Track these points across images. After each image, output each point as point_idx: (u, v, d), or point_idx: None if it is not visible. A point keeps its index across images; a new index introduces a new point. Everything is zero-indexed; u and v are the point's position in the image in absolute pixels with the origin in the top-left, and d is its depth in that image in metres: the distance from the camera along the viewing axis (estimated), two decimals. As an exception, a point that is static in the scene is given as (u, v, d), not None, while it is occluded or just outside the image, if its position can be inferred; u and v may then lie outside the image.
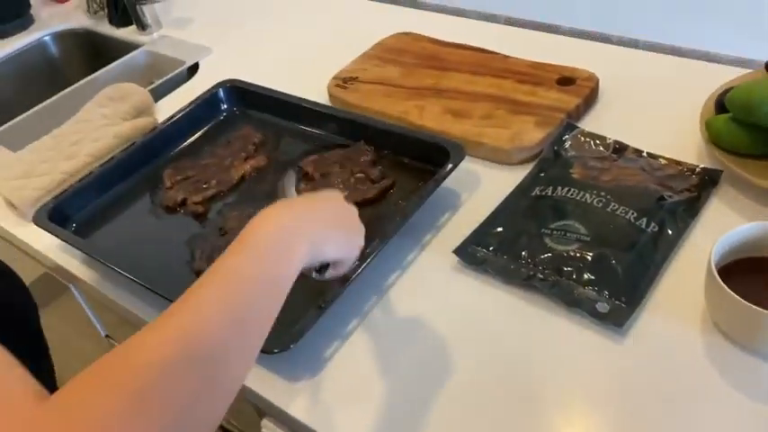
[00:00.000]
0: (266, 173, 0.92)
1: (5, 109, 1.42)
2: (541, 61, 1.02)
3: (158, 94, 1.18)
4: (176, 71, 1.23)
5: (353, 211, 0.60)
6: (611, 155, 0.85)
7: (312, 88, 1.07)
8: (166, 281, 0.75)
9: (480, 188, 0.86)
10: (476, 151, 0.90)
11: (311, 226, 0.53)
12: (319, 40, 1.24)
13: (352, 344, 0.71)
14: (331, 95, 1.05)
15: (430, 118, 0.95)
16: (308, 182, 0.89)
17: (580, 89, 0.95)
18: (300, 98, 0.99)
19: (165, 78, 1.21)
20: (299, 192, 0.85)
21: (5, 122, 1.17)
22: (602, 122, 0.92)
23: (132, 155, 0.95)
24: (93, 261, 0.83)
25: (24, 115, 1.18)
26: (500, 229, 0.78)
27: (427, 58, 1.08)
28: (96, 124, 1.07)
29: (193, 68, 1.25)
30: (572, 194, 0.79)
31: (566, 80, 0.98)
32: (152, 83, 1.33)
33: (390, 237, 0.75)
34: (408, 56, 1.10)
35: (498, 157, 0.89)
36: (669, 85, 0.96)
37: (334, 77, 1.07)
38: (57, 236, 0.83)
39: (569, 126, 0.91)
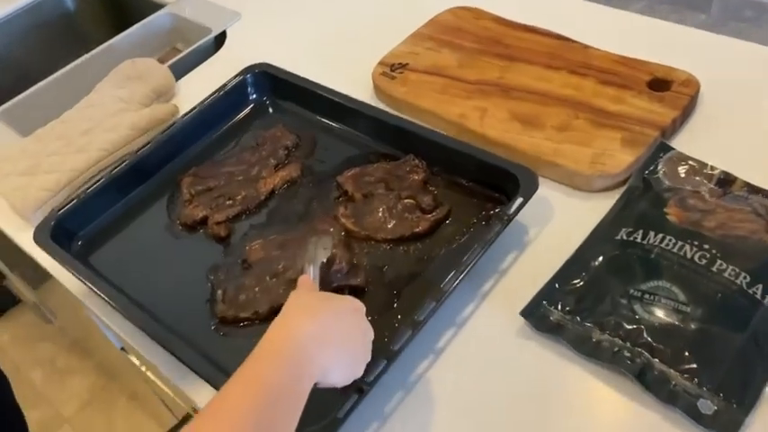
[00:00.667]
0: (298, 187, 0.80)
1: (16, 69, 1.30)
2: (629, 55, 0.85)
3: (180, 68, 1.04)
4: (201, 41, 1.08)
5: (369, 334, 0.56)
6: (714, 188, 0.70)
7: (354, 74, 0.93)
8: (184, 329, 0.65)
9: (552, 221, 0.72)
10: (548, 171, 0.76)
11: (325, 350, 0.51)
12: (364, 12, 1.07)
13: (394, 422, 0.60)
14: (376, 86, 0.90)
15: (493, 125, 0.80)
16: (349, 202, 0.76)
17: (677, 98, 0.79)
18: (341, 94, 0.85)
19: (188, 50, 1.07)
20: (337, 219, 0.73)
21: (16, 87, 1.06)
22: (701, 141, 0.77)
23: (148, 157, 0.83)
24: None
25: (33, 89, 1.06)
26: (578, 283, 0.65)
27: (491, 43, 0.92)
28: (111, 109, 0.94)
29: (220, 37, 1.10)
30: (668, 245, 0.65)
31: (659, 83, 0.82)
32: (175, 48, 1.20)
33: (446, 295, 0.62)
34: (468, 38, 0.93)
35: (575, 182, 0.75)
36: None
37: (381, 62, 0.92)
38: (59, 261, 0.72)
39: (663, 147, 0.75)
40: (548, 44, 0.89)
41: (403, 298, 0.66)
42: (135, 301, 0.69)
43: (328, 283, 0.66)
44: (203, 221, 0.77)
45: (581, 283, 0.65)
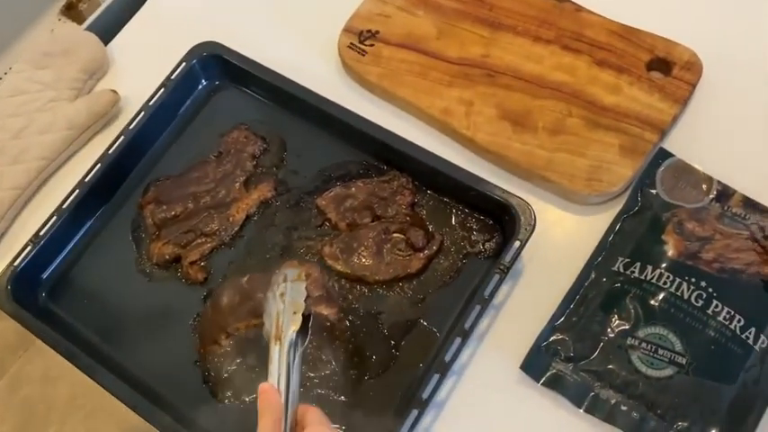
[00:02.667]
0: (274, 210, 0.73)
1: None
2: (625, 23, 0.76)
3: (105, 22, 0.89)
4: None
5: None
6: (713, 205, 0.68)
7: (318, 39, 0.82)
8: (177, 397, 0.64)
9: (546, 241, 0.70)
10: (541, 183, 0.72)
11: None
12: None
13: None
14: (345, 64, 0.80)
15: (481, 125, 0.74)
16: (333, 232, 0.71)
17: (678, 88, 0.73)
18: (308, 91, 0.75)
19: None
20: (323, 260, 0.68)
21: None
22: (698, 137, 0.72)
23: (100, 180, 0.74)
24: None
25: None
26: (576, 324, 0.65)
27: (473, 1, 0.80)
28: (37, 100, 0.82)
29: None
30: (665, 283, 0.65)
31: (659, 63, 0.75)
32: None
33: (449, 367, 0.61)
34: (444, -9, 0.81)
35: (570, 198, 0.71)
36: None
37: (347, 29, 0.81)
38: (25, 325, 0.67)
39: (662, 153, 0.71)
40: (537, 5, 0.79)
41: (402, 352, 0.66)
42: (118, 366, 0.66)
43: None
44: (176, 259, 0.72)
45: (578, 325, 0.65)
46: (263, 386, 0.50)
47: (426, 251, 0.68)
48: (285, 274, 0.56)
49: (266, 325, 0.53)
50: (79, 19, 0.99)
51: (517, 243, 0.65)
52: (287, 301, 0.53)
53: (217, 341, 0.65)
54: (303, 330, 0.53)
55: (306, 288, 0.54)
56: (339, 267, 0.69)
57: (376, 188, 0.72)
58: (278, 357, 0.51)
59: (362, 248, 0.69)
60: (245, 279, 0.66)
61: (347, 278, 0.69)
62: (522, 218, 0.65)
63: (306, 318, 0.53)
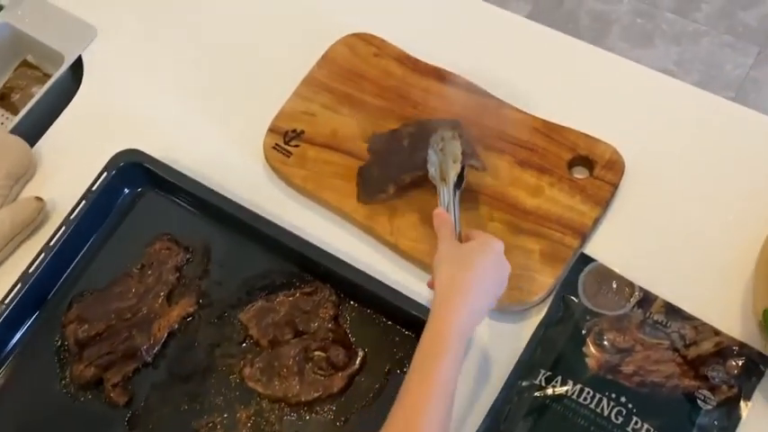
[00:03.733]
0: (197, 325, 0.73)
1: None
2: (548, 119, 0.76)
3: (35, 120, 0.89)
4: (53, 79, 0.91)
5: (507, 270, 0.64)
6: (635, 312, 0.68)
7: (248, 142, 0.81)
8: None
9: (469, 353, 0.69)
10: (464, 291, 0.71)
11: (479, 313, 0.61)
12: (247, 35, 0.90)
13: None
14: (270, 164, 0.79)
15: (404, 231, 0.73)
16: (255, 346, 0.71)
17: (600, 189, 0.73)
18: (231, 203, 0.75)
19: (39, 95, 0.90)
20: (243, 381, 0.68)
21: None
22: (619, 240, 0.72)
23: (22, 300, 0.73)
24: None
25: None
26: (498, 444, 0.65)
27: (395, 98, 0.81)
28: (-41, 211, 0.81)
29: (76, 65, 0.92)
30: (585, 399, 0.65)
31: (581, 161, 0.74)
32: (26, 63, 1.00)
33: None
34: (369, 89, 0.81)
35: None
36: (728, 175, 0.73)
37: (272, 129, 0.80)
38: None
39: (584, 258, 0.71)
40: (461, 101, 0.79)
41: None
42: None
43: None
44: (99, 381, 0.71)
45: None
46: (436, 211, 0.66)
47: (347, 370, 0.68)
48: (442, 135, 0.70)
49: (431, 171, 0.69)
50: (12, 109, 0.98)
51: (435, 364, 0.64)
52: (447, 153, 0.68)
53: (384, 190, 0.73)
54: (460, 177, 0.68)
55: (460, 143, 0.69)
56: (260, 389, 0.68)
57: (299, 301, 0.71)
58: (445, 192, 0.67)
59: (284, 368, 0.68)
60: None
61: (269, 399, 0.68)
62: (440, 337, 0.65)
63: (462, 167, 0.68)
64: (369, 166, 0.75)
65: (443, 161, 0.68)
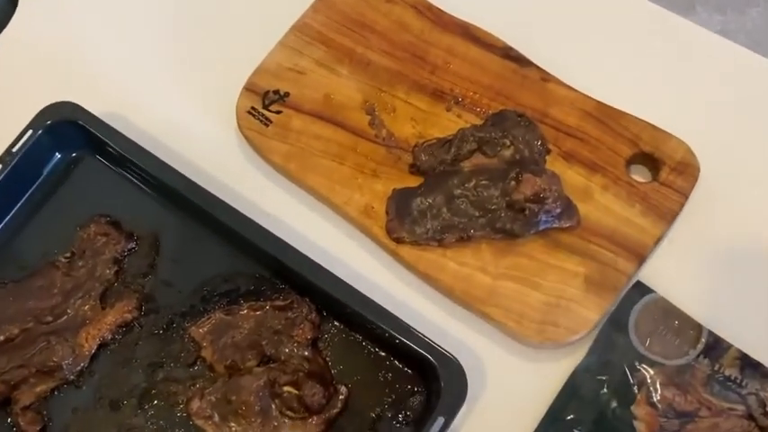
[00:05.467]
0: (137, 336, 0.58)
1: None
2: (602, 100, 0.60)
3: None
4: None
5: None
6: (699, 362, 0.53)
7: (218, 102, 0.65)
8: None
9: (484, 399, 0.55)
10: (480, 316, 0.56)
11: None
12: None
13: None
14: (245, 135, 0.63)
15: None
16: (209, 371, 0.56)
17: (666, 197, 0.57)
18: (185, 179, 0.58)
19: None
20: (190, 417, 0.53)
21: None
22: (686, 268, 0.57)
23: None
24: None
25: None
26: None
27: (410, 59, 0.64)
28: None
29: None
30: (631, 476, 0.50)
31: (644, 160, 0.59)
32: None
33: None
34: (377, 43, 0.64)
35: (517, 338, 0.56)
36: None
37: (248, 87, 0.63)
38: None
39: (640, 288, 0.56)
40: (493, 69, 0.62)
41: None
42: None
43: None
44: (6, 402, 0.56)
45: None
46: None
47: (325, 413, 0.53)
48: None
49: None
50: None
51: (440, 420, 0.50)
52: None
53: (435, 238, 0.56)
54: None
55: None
56: (210, 430, 0.53)
57: (268, 316, 0.56)
58: None
59: (242, 405, 0.53)
60: None
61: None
62: (447, 384, 0.50)
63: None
64: (411, 195, 0.58)
65: None
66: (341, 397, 0.53)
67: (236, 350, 0.55)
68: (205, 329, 0.56)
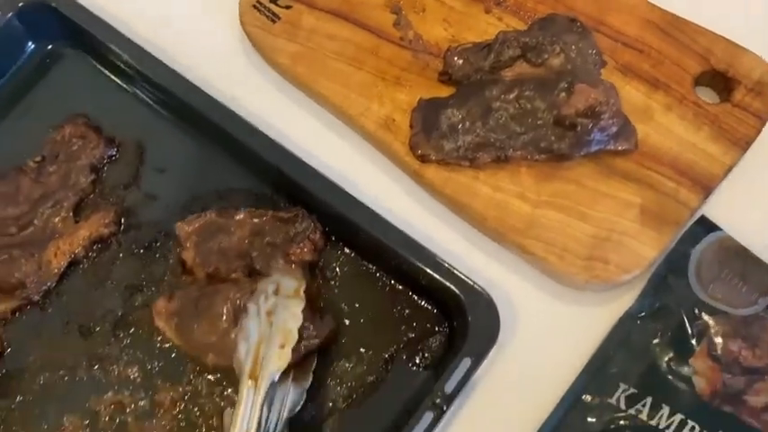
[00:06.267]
0: (113, 254, 0.50)
1: None
2: (669, 9, 0.51)
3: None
4: None
5: None
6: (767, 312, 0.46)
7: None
8: None
9: (516, 345, 0.47)
10: (515, 251, 0.48)
11: None
12: None
13: None
14: (246, 32, 0.54)
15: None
16: (186, 275, 0.48)
17: (741, 122, 0.49)
18: (177, 76, 0.51)
19: None
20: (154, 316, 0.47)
21: None
22: (760, 205, 0.49)
23: None
24: None
25: None
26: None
27: (444, -47, 0.54)
28: None
29: None
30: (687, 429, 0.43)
31: (714, 79, 0.50)
32: None
33: None
34: (407, -65, 0.55)
35: (557, 278, 0.48)
36: None
37: (254, -21, 0.55)
38: None
39: (704, 225, 0.48)
40: (542, -32, 0.53)
41: None
42: None
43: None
44: (-40, 322, 0.48)
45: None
46: None
47: (303, 342, 0.44)
48: (278, 283, 0.45)
49: (240, 351, 0.43)
50: None
51: (467, 362, 0.42)
52: (274, 324, 0.43)
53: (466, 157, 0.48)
54: (300, 370, 0.44)
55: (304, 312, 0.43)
56: (169, 333, 0.46)
57: (266, 227, 0.48)
58: (249, 403, 0.41)
59: (211, 316, 0.45)
60: None
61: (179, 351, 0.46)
62: (476, 322, 0.43)
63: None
64: (441, 106, 0.50)
65: (267, 339, 0.43)
66: (324, 330, 0.45)
67: (221, 257, 0.47)
68: (192, 228, 0.48)
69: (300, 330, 0.43)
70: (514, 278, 0.49)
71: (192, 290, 0.47)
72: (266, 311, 0.44)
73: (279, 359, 0.42)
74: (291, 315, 0.43)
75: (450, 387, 0.42)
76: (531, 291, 0.48)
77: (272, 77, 0.55)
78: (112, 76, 0.54)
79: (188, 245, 0.48)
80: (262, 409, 0.41)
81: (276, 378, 0.42)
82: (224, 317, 0.45)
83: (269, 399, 0.42)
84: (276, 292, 0.45)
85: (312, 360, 0.45)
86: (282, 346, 0.42)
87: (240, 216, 0.49)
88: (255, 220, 0.49)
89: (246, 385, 0.42)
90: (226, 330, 0.45)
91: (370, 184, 0.51)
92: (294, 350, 0.43)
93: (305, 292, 0.45)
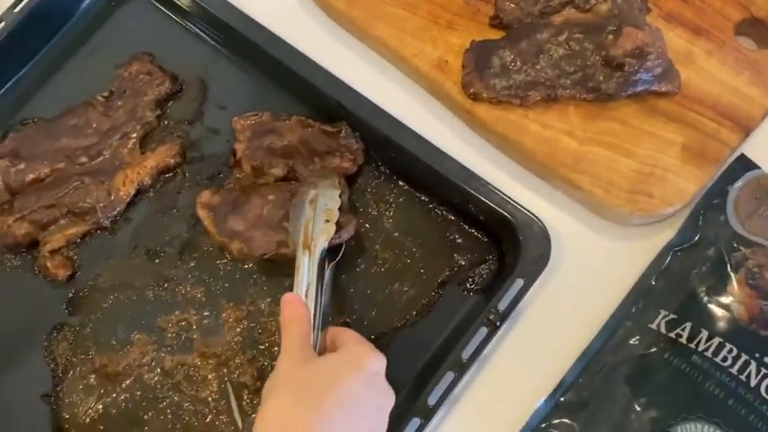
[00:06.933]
0: (179, 183, 0.53)
1: None
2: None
3: None
4: None
5: (389, 403, 0.41)
6: (806, 246, 0.48)
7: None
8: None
9: (562, 274, 0.50)
10: (562, 187, 0.51)
11: None
12: None
13: None
14: (304, -19, 0.57)
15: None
16: (233, 166, 0.52)
17: (781, 65, 0.51)
18: (244, 16, 0.53)
19: None
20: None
21: None
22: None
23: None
24: None
25: None
26: (587, 395, 0.46)
27: None
28: None
29: None
30: (725, 359, 0.46)
31: (754, 26, 0.53)
32: None
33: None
34: None
35: (601, 212, 0.51)
36: None
37: None
38: None
39: (743, 163, 0.50)
40: None
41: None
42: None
43: None
44: (33, 244, 0.51)
45: (591, 403, 0.46)
46: (287, 296, 0.44)
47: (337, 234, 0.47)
48: (315, 181, 0.50)
49: (292, 232, 0.48)
50: None
51: (519, 282, 0.45)
52: (318, 208, 0.48)
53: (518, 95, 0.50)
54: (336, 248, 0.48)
55: (340, 197, 0.49)
56: (206, 222, 0.50)
57: (311, 136, 0.51)
58: (307, 267, 0.46)
59: (245, 211, 0.49)
60: None
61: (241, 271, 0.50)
62: (528, 246, 0.45)
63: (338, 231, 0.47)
64: (493, 47, 0.52)
65: (313, 219, 0.47)
66: (349, 227, 0.48)
67: (267, 154, 0.51)
68: (247, 123, 0.51)
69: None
70: (561, 215, 0.51)
71: (234, 188, 0.51)
72: (309, 200, 0.48)
73: (326, 232, 0.47)
74: (330, 198, 0.48)
75: (503, 305, 0.45)
76: (576, 226, 0.51)
77: (327, 24, 0.57)
78: (176, 18, 0.57)
79: (241, 138, 0.51)
80: (316, 273, 0.45)
81: (326, 246, 0.46)
82: (258, 212, 0.49)
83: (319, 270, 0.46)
84: (315, 186, 0.49)
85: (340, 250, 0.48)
86: (327, 221, 0.47)
87: (290, 122, 0.52)
88: (304, 129, 0.51)
89: (302, 254, 0.46)
90: (254, 224, 0.49)
91: (423, 126, 0.53)
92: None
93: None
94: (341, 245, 0.48)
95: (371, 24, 0.55)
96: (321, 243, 0.46)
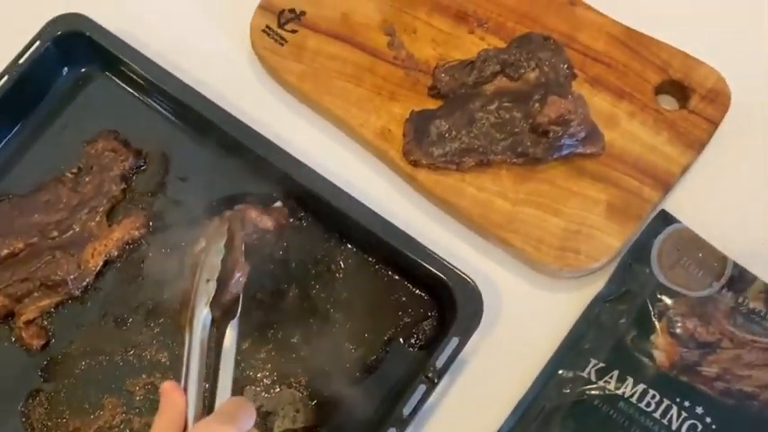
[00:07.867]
0: (142, 255, 0.56)
1: None
2: (631, 25, 0.58)
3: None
4: None
5: None
6: (722, 294, 0.52)
7: (231, 20, 0.63)
8: None
9: (500, 326, 0.54)
10: (498, 244, 0.55)
11: None
12: None
13: None
14: (258, 54, 0.61)
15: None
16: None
17: (695, 125, 0.56)
18: (197, 95, 0.57)
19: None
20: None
21: None
22: (712, 199, 0.56)
23: None
24: None
25: None
26: (523, 448, 0.50)
27: (432, -21, 0.61)
28: None
29: None
30: (648, 404, 0.50)
31: (673, 88, 0.57)
32: None
33: None
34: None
35: (536, 267, 0.54)
36: None
37: (264, 6, 0.61)
38: None
39: (664, 218, 0.54)
40: (518, -8, 0.60)
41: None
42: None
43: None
44: (9, 315, 0.55)
45: (528, 450, 0.50)
46: (164, 386, 0.42)
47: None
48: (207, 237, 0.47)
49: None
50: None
51: (455, 340, 0.48)
52: (202, 264, 0.46)
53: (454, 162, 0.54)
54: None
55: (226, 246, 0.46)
56: None
57: None
58: (188, 346, 0.44)
59: None
60: None
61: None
62: (462, 305, 0.49)
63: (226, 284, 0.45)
64: (430, 117, 0.56)
65: (198, 279, 0.45)
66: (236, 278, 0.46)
67: None
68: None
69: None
70: (498, 268, 0.55)
71: None
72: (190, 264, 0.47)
73: (206, 293, 0.44)
74: (216, 251, 0.46)
75: (440, 362, 0.48)
76: (512, 279, 0.55)
77: (281, 94, 0.61)
78: (138, 95, 0.60)
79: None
80: (201, 349, 0.43)
81: (206, 311, 0.44)
82: None
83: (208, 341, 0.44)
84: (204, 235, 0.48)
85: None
86: (208, 281, 0.45)
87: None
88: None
89: (186, 330, 0.44)
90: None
91: (369, 187, 0.57)
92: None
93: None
94: (237, 298, 0.45)
95: (321, 96, 0.59)
96: (200, 310, 0.44)
